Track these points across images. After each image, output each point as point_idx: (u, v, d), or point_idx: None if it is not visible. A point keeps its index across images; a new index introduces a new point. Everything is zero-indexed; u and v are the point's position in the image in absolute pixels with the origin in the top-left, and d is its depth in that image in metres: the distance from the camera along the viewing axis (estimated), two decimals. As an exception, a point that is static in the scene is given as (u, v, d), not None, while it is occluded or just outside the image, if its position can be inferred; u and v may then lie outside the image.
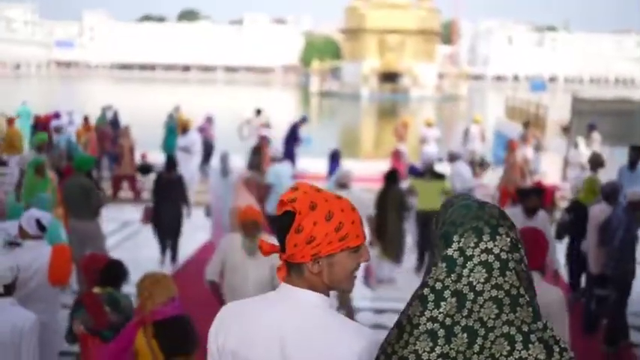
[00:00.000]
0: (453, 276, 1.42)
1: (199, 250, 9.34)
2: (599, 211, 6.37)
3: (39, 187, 7.67)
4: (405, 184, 8.77)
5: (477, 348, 1.39)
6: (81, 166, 7.55)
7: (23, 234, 4.55)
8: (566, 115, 17.56)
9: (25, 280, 4.27)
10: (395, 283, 7.93)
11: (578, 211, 6.78)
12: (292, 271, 1.65)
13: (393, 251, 7.83)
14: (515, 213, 5.81)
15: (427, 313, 1.43)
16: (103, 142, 14.48)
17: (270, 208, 7.62)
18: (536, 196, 6.16)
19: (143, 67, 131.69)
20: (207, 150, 15.51)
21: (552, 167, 14.81)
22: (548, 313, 3.64)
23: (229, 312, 1.74)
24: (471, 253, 1.41)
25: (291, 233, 1.60)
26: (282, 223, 1.63)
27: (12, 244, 4.63)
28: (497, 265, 1.41)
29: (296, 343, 1.58)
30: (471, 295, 1.40)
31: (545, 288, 3.58)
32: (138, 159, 13.26)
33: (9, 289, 3.49)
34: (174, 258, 8.63)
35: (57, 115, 15.02)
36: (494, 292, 1.40)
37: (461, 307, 1.40)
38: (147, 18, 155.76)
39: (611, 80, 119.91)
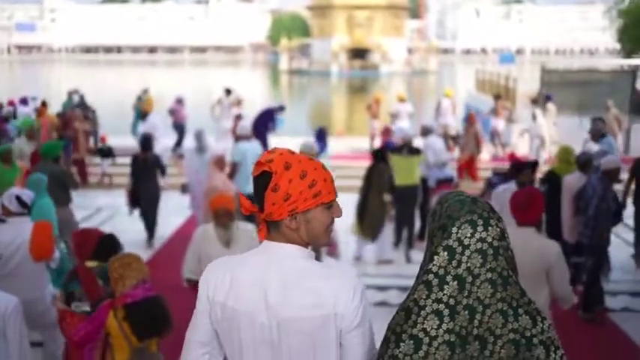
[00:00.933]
0: (454, 263, 1.65)
1: (182, 225, 9.49)
2: (573, 180, 6.43)
3: (6, 176, 7.45)
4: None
5: (476, 322, 1.64)
6: (48, 153, 7.33)
7: (6, 211, 4.65)
8: (535, 87, 17.71)
9: (8, 256, 4.45)
10: (391, 263, 7.89)
11: (552, 181, 6.80)
12: (272, 229, 1.75)
13: (370, 229, 7.81)
14: (508, 188, 5.61)
15: (432, 296, 1.65)
16: (72, 127, 14.16)
17: (237, 186, 7.54)
18: (531, 171, 5.90)
19: (108, 49, 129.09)
20: (180, 132, 15.32)
21: (523, 139, 14.94)
22: (548, 263, 3.86)
23: (217, 266, 1.84)
24: (468, 243, 1.65)
25: (268, 192, 1.70)
26: (260, 183, 1.73)
27: None
28: (490, 251, 1.65)
29: (278, 292, 1.69)
30: (470, 278, 1.64)
31: (544, 241, 3.94)
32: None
33: None
34: (152, 233, 8.77)
35: (24, 101, 14.62)
36: (489, 275, 1.64)
37: (462, 289, 1.64)
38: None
39: (577, 51, 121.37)
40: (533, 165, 6.04)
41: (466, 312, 1.63)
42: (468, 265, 1.63)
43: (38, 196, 5.52)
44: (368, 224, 7.78)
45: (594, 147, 7.90)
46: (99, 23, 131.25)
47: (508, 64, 31.96)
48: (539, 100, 15.50)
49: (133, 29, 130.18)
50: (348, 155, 15.07)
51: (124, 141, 13.74)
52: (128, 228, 8.71)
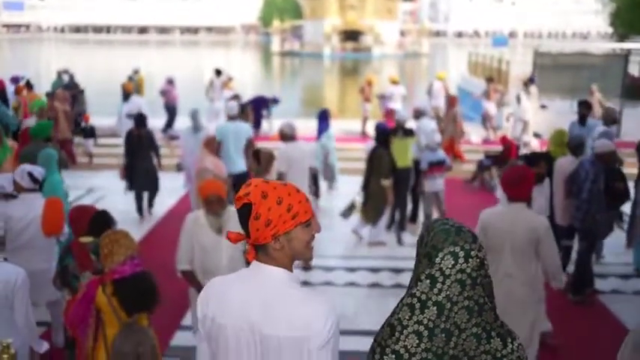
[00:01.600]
0: (435, 290, 1.82)
1: (176, 204, 9.61)
2: (565, 163, 6.43)
3: (-2, 156, 7.37)
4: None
5: (452, 344, 1.83)
6: (38, 133, 7.26)
7: (18, 187, 4.87)
8: (527, 70, 17.69)
9: (21, 229, 4.75)
10: (384, 245, 7.90)
11: (546, 164, 6.78)
12: (260, 252, 1.96)
13: (371, 212, 7.80)
14: None
15: (414, 318, 1.85)
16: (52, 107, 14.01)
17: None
18: (545, 163, 5.62)
19: (98, 29, 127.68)
20: (171, 113, 15.21)
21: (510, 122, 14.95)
22: (537, 237, 4.08)
23: (211, 286, 2.08)
24: (449, 273, 1.82)
25: (251, 221, 1.91)
26: (243, 214, 1.93)
27: (7, 195, 4.96)
28: (469, 281, 1.82)
29: (261, 311, 1.91)
30: (449, 305, 1.82)
31: (532, 215, 4.21)
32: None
33: None
34: (150, 205, 9.11)
35: (15, 80, 14.42)
36: (466, 302, 1.82)
37: (440, 314, 1.82)
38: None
39: (570, 34, 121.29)
40: (548, 158, 5.81)
41: (443, 335, 1.83)
42: (448, 293, 1.82)
43: (48, 172, 5.68)
44: (370, 207, 7.77)
45: (600, 129, 7.77)
46: (88, 2, 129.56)
47: (501, 47, 31.87)
48: (529, 83, 15.52)
49: (123, 9, 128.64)
50: (340, 137, 15.05)
51: (112, 121, 13.62)
52: (121, 208, 8.70)
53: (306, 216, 1.94)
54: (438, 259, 1.83)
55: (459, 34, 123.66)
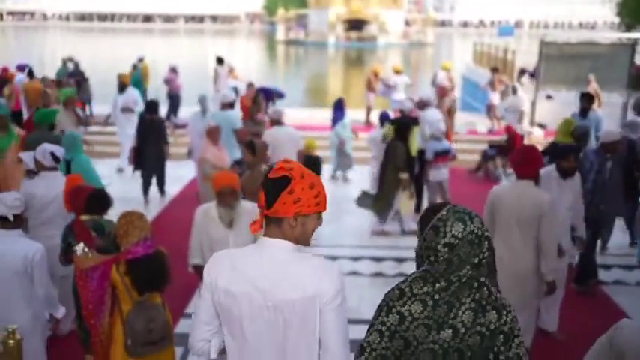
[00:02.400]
0: (449, 270, 2.05)
1: (183, 189, 9.81)
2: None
3: (2, 143, 7.38)
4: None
5: (452, 315, 2.00)
6: (42, 121, 7.27)
7: (39, 166, 5.08)
8: (533, 60, 17.59)
9: (43, 206, 4.97)
10: (390, 235, 7.89)
11: (554, 153, 6.72)
12: (272, 224, 2.12)
13: (380, 204, 7.77)
14: (548, 174, 5.22)
15: (424, 289, 2.03)
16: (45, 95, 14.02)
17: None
18: (575, 156, 5.30)
19: (102, 17, 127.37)
20: (174, 101, 15.19)
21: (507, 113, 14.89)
22: (540, 211, 4.30)
23: (219, 258, 2.21)
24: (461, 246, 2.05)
25: (284, 194, 2.07)
26: (277, 184, 2.08)
27: (30, 172, 5.19)
28: (475, 259, 2.04)
29: (275, 278, 2.07)
30: (455, 278, 2.03)
31: (538, 192, 4.46)
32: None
33: (18, 220, 3.86)
34: (162, 191, 9.32)
35: (21, 67, 14.42)
36: (467, 281, 2.03)
37: (447, 288, 2.02)
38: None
39: (576, 24, 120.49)
40: (577, 150, 5.45)
41: (445, 306, 2.01)
42: (459, 273, 2.03)
43: (76, 153, 6.08)
44: (381, 197, 7.74)
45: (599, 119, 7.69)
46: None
47: (507, 37, 31.70)
48: (539, 73, 15.42)
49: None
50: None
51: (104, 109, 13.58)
52: (130, 193, 8.77)
53: (323, 208, 2.17)
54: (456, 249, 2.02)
55: (465, 24, 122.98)
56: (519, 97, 12.87)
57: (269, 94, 14.32)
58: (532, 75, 17.20)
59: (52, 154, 5.08)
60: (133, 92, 11.25)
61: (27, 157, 5.32)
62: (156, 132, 8.95)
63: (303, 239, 2.16)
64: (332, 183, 10.30)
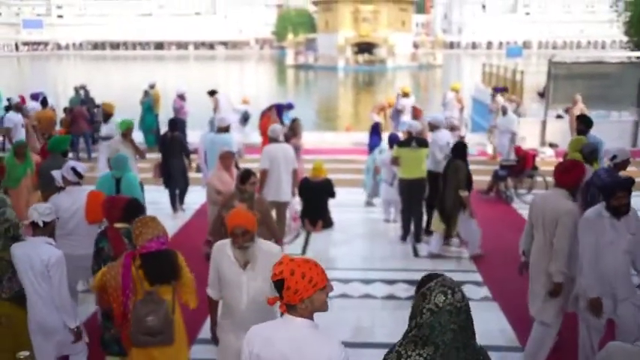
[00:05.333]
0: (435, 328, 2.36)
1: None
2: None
3: (16, 170, 7.48)
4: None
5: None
6: (55, 147, 7.35)
7: (66, 181, 5.59)
8: (542, 80, 17.61)
9: (67, 218, 5.42)
10: (440, 257, 7.86)
11: (601, 191, 6.55)
12: (290, 309, 2.70)
13: (446, 225, 7.73)
14: (598, 214, 4.52)
15: (416, 351, 2.35)
16: (79, 122, 14.23)
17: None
18: (627, 193, 4.45)
19: (115, 45, 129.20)
20: (180, 127, 15.22)
21: (531, 132, 14.89)
22: (557, 216, 4.63)
23: (254, 331, 2.83)
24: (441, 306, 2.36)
25: (284, 291, 2.64)
26: (279, 285, 2.65)
27: (60, 189, 5.66)
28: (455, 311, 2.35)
29: (294, 349, 2.66)
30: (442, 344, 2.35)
31: (564, 200, 4.73)
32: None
33: (47, 227, 4.30)
34: (182, 201, 10.05)
35: (35, 96, 14.65)
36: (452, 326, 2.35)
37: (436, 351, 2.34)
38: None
39: (584, 44, 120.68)
40: (629, 185, 4.49)
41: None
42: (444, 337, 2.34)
43: (124, 171, 6.55)
44: (446, 220, 7.70)
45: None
46: (105, 19, 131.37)
47: (515, 58, 31.78)
48: (548, 93, 15.44)
49: (139, 25, 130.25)
50: (354, 150, 15.13)
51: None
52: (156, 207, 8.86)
53: (323, 283, 2.67)
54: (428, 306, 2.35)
55: (473, 45, 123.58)
56: (509, 117, 12.67)
57: (280, 109, 14.43)
58: (541, 95, 17.20)
59: (74, 170, 5.55)
60: (116, 121, 10.82)
61: (57, 174, 5.74)
62: (177, 147, 9.67)
63: (317, 310, 2.71)
64: (361, 208, 10.25)
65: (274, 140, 8.12)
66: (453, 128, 12.98)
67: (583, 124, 7.76)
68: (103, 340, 4.37)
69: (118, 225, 4.61)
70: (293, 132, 10.80)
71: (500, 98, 14.38)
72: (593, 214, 4.55)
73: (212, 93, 16.02)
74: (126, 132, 8.97)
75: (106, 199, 4.93)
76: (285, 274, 2.63)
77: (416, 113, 12.13)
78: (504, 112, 12.80)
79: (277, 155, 7.84)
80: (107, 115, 11.21)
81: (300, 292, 2.62)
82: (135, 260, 3.90)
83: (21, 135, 11.69)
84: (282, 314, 2.75)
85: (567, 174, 4.76)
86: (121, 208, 4.63)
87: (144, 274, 3.86)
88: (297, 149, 10.61)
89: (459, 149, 7.67)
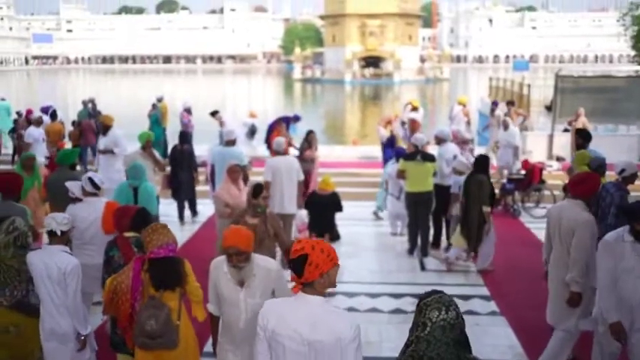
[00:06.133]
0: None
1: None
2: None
3: (26, 183, 7.48)
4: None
5: None
6: (64, 160, 7.37)
7: (85, 192, 5.72)
8: (549, 94, 17.60)
9: (85, 228, 5.56)
10: (446, 272, 7.81)
11: (626, 214, 6.40)
12: (307, 286, 2.86)
13: (469, 239, 7.70)
14: (620, 237, 4.32)
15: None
16: (87, 135, 14.31)
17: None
18: None
19: (123, 59, 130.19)
20: (187, 139, 15.25)
21: (538, 146, 14.86)
22: (574, 226, 4.57)
23: (270, 306, 2.99)
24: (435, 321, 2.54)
25: (307, 266, 2.80)
26: (300, 262, 2.81)
27: (75, 199, 5.76)
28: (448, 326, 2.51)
29: (309, 325, 2.80)
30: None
31: (580, 211, 4.79)
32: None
33: (64, 236, 4.43)
34: (194, 212, 10.27)
35: (45, 110, 14.74)
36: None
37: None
38: (125, 9, 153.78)
39: (591, 58, 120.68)
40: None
41: None
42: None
43: (141, 181, 6.65)
44: (469, 234, 7.68)
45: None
46: (114, 34, 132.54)
47: (522, 71, 31.79)
48: (555, 107, 15.42)
49: (147, 39, 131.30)
50: (360, 163, 15.12)
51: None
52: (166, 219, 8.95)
53: (337, 260, 2.88)
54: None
55: (480, 59, 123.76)
56: (511, 132, 12.56)
57: (288, 121, 14.49)
58: (549, 108, 17.18)
59: (91, 181, 5.69)
60: (113, 134, 10.54)
61: (73, 186, 5.84)
62: (186, 160, 9.93)
63: (330, 286, 2.89)
64: (369, 221, 10.22)
65: (278, 153, 8.30)
66: (464, 142, 12.95)
67: (582, 138, 7.71)
68: (113, 340, 4.49)
69: (127, 234, 4.73)
70: (308, 144, 10.82)
71: (499, 112, 14.30)
72: (613, 238, 4.35)
73: (214, 114, 15.93)
74: (145, 144, 9.00)
75: (117, 208, 5.05)
76: (307, 249, 2.81)
77: (413, 126, 12.01)
78: (506, 126, 12.70)
79: (279, 167, 7.91)
80: (106, 128, 10.79)
81: (320, 267, 2.80)
82: (144, 265, 4.03)
83: (42, 150, 11.76)
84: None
85: (582, 185, 4.84)
86: (131, 217, 4.75)
87: (150, 278, 3.98)
88: (313, 161, 10.73)
89: (482, 163, 7.61)
